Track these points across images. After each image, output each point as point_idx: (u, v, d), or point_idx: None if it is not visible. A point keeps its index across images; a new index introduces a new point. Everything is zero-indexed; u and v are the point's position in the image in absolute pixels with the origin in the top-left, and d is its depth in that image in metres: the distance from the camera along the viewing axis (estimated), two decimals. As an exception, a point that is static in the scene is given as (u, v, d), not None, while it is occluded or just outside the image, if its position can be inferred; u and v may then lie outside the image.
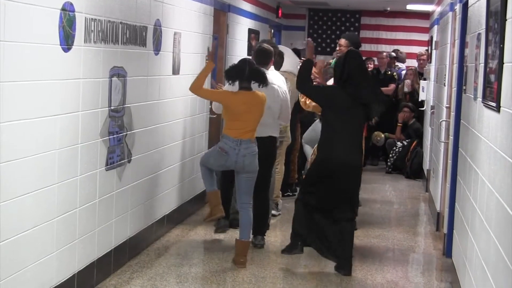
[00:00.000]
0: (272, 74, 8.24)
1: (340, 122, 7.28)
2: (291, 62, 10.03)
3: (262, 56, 8.24)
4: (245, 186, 7.50)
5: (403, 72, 15.82)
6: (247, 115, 7.37)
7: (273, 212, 9.52)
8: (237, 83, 7.45)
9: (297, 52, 11.67)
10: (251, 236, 7.78)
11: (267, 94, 7.68)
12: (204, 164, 7.55)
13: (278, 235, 8.82)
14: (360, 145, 7.46)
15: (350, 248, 7.40)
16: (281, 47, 10.13)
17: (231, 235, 8.31)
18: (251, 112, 7.38)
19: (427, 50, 15.67)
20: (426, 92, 13.59)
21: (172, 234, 8.53)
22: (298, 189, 11.09)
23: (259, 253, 7.96)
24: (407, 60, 17.38)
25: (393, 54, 16.47)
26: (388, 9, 18.32)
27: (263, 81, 7.38)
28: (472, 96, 6.35)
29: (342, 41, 9.54)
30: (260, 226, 8.16)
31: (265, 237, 8.28)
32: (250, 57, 8.20)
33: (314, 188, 7.39)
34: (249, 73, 7.36)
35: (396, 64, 16.36)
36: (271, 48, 8.43)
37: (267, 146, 7.85)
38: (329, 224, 7.36)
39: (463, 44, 7.90)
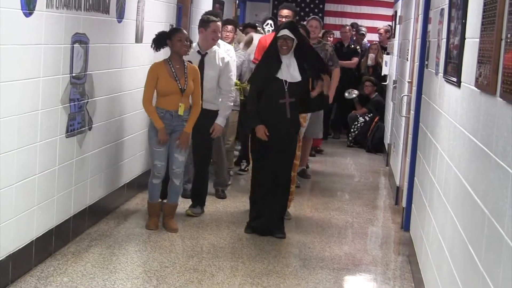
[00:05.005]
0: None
1: (268, 93, 7.49)
2: None
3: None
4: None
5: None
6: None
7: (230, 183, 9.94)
8: None
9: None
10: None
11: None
12: (150, 155, 7.58)
13: (234, 206, 8.85)
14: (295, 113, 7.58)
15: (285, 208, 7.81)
16: None
17: (186, 205, 8.32)
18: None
19: (390, 25, 15.73)
20: (389, 66, 13.64)
21: (132, 203, 8.52)
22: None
23: (218, 223, 7.98)
24: (369, 34, 17.42)
25: (362, 30, 16.46)
26: (354, -18, 18.34)
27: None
28: (434, 71, 6.39)
29: (285, 11, 9.55)
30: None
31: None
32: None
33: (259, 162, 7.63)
34: None
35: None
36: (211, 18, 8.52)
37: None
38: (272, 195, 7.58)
39: (426, 19, 7.94)
